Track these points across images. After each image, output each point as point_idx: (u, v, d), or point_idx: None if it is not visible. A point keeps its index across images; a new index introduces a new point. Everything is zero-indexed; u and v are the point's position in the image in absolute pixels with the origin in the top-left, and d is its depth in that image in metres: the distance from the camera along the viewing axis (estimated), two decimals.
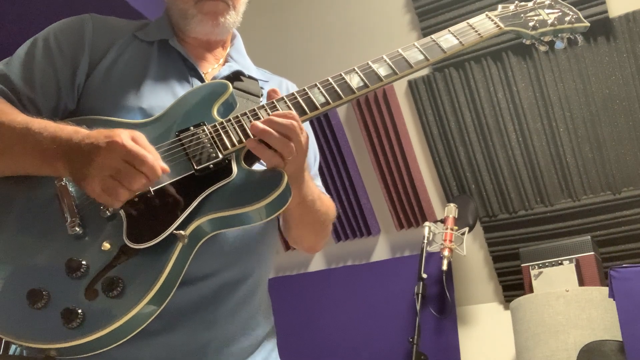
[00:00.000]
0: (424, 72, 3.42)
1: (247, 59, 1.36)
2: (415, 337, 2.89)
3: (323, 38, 3.60)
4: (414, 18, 3.43)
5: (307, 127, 1.40)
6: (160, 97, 1.16)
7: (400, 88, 3.51)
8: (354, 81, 1.13)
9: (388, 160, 3.62)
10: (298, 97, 1.11)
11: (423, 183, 3.64)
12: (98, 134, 0.96)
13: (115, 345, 0.92)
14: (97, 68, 1.17)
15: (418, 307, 2.99)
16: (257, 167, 1.10)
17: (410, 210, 3.68)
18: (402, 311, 3.41)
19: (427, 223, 3.34)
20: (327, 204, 1.30)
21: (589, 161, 3.22)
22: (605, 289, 2.68)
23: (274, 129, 1.01)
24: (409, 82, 3.43)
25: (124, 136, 0.94)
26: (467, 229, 3.29)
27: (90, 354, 0.91)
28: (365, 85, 1.13)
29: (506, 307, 3.50)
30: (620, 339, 2.39)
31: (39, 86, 1.13)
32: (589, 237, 3.12)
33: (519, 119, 3.28)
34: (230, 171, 1.03)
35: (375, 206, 3.79)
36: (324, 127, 3.64)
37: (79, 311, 0.89)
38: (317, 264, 4.02)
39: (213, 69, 1.28)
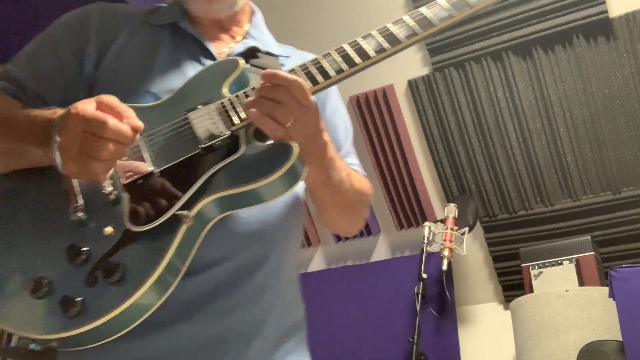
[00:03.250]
0: (424, 72, 3.43)
1: (267, 35, 1.30)
2: (415, 337, 2.89)
3: (322, 38, 3.59)
4: None
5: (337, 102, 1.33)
6: (171, 81, 1.11)
7: (400, 88, 3.51)
8: (371, 45, 1.03)
9: (388, 160, 3.62)
10: (309, 66, 1.03)
11: (423, 183, 3.64)
12: (62, 113, 0.91)
13: (121, 333, 0.88)
14: (106, 56, 1.13)
15: (418, 307, 2.99)
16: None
17: (410, 210, 3.68)
18: (402, 311, 3.41)
19: (427, 223, 3.34)
20: (359, 184, 1.21)
21: (589, 161, 3.22)
22: (605, 289, 2.68)
23: (262, 95, 0.95)
24: (409, 82, 3.43)
25: (80, 106, 0.88)
26: (467, 229, 3.29)
27: (96, 345, 0.88)
28: (383, 49, 1.03)
29: (506, 307, 3.50)
30: (620, 339, 2.39)
31: (45, 80, 1.11)
32: (589, 237, 3.12)
33: (519, 119, 3.28)
34: (237, 148, 0.97)
35: (375, 206, 3.79)
36: None
37: (78, 299, 0.85)
38: (317, 264, 4.03)
39: (228, 47, 1.22)
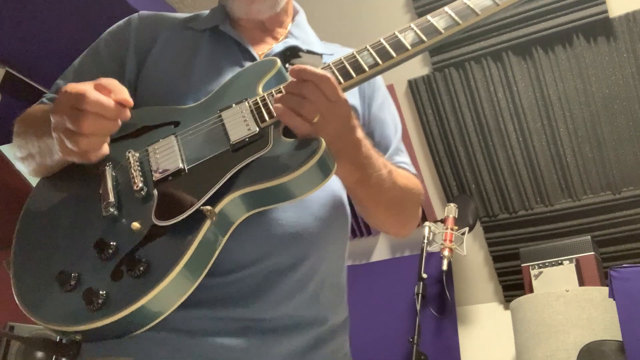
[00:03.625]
0: (424, 72, 3.43)
1: (310, 34, 1.28)
2: (415, 337, 2.88)
3: (322, 38, 3.60)
4: (414, 18, 3.43)
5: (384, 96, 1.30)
6: (210, 83, 1.11)
7: (400, 88, 3.51)
8: (408, 38, 1.00)
9: None
10: (344, 61, 1.01)
11: (423, 183, 3.62)
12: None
13: (146, 328, 0.87)
14: (146, 62, 1.16)
15: (418, 307, 2.99)
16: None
17: None
18: (402, 311, 3.41)
19: (427, 223, 3.34)
20: (404, 181, 1.15)
21: (589, 161, 3.22)
22: (605, 289, 2.68)
23: (289, 90, 0.94)
24: (409, 82, 3.43)
25: (70, 84, 0.90)
26: (467, 229, 3.29)
27: (118, 339, 0.87)
28: (421, 41, 0.99)
29: (506, 307, 3.50)
30: (620, 339, 2.39)
31: None
32: (589, 237, 3.12)
33: (519, 119, 3.28)
34: (267, 144, 0.95)
35: None
36: None
37: (102, 292, 0.85)
38: None
39: (269, 49, 1.20)
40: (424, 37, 1.00)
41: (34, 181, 1.15)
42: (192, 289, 0.88)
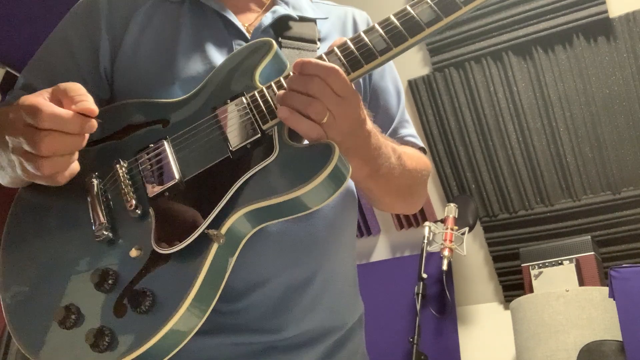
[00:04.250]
0: (424, 72, 3.42)
1: None
2: (415, 337, 2.88)
3: None
4: None
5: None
6: (196, 67, 0.98)
7: None
8: (424, 15, 0.84)
9: None
10: (351, 45, 0.85)
11: None
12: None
13: None
14: (122, 46, 1.01)
15: (418, 307, 2.99)
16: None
17: None
18: (402, 311, 3.40)
19: (427, 223, 3.34)
20: (414, 164, 1.05)
21: (589, 161, 3.22)
22: (605, 289, 2.68)
23: (292, 88, 0.81)
24: (409, 82, 3.43)
25: (24, 97, 0.77)
26: (467, 229, 3.29)
27: None
28: (439, 18, 0.83)
29: (506, 307, 3.50)
30: (620, 339, 2.39)
31: (62, 81, 0.99)
32: (589, 237, 3.12)
33: (519, 119, 3.28)
34: (272, 150, 0.84)
35: None
36: None
37: (107, 332, 0.77)
38: None
39: (256, 19, 1.06)
40: (441, 13, 0.84)
41: None
42: (204, 319, 0.80)
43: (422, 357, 2.85)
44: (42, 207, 0.94)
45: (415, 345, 2.86)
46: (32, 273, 0.88)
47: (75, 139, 0.78)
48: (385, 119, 1.12)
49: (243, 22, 1.05)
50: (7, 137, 0.79)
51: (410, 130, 1.17)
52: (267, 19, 1.04)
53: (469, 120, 3.38)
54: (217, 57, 1.00)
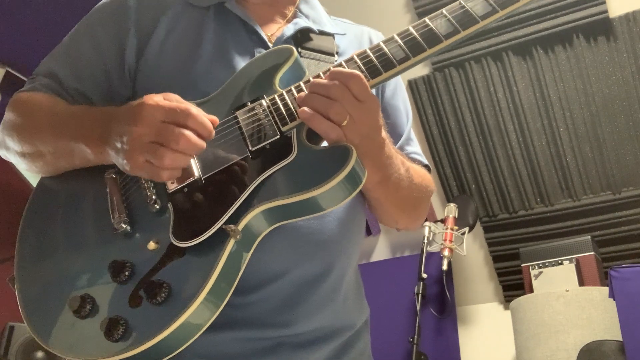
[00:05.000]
0: (424, 72, 3.43)
1: (320, 11, 1.17)
2: (415, 337, 2.89)
3: None
4: (414, 18, 3.43)
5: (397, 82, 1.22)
6: (218, 72, 1.01)
7: None
8: (442, 27, 0.89)
9: None
10: (370, 54, 0.90)
11: None
12: (128, 106, 0.86)
13: (170, 356, 0.80)
14: (148, 46, 1.04)
15: (418, 307, 2.99)
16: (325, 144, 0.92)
17: None
18: (402, 311, 3.40)
19: (427, 223, 3.34)
20: (420, 180, 1.09)
21: (589, 161, 3.22)
22: (605, 289, 2.68)
23: (314, 91, 0.86)
24: (409, 82, 3.43)
25: (155, 97, 0.83)
26: (467, 229, 3.29)
27: None
28: (456, 31, 0.88)
29: (506, 307, 3.50)
30: (620, 339, 2.39)
31: (86, 76, 1.04)
32: (589, 237, 3.12)
33: (519, 119, 3.28)
34: (290, 151, 0.87)
35: None
36: None
37: (122, 321, 0.79)
38: None
39: (278, 29, 1.10)
40: (459, 26, 0.89)
41: (34, 180, 1.08)
42: (218, 312, 0.82)
43: (422, 357, 2.85)
44: (63, 196, 0.96)
45: (415, 345, 2.86)
46: (48, 260, 0.89)
47: (202, 145, 0.83)
48: (393, 135, 1.15)
49: (266, 32, 1.09)
50: (136, 129, 0.82)
51: (416, 148, 1.22)
52: (289, 30, 1.08)
53: (469, 120, 3.38)
54: (239, 63, 1.03)
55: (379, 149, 0.92)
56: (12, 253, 0.94)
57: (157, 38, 1.05)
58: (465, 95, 3.35)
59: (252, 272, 0.88)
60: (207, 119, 0.84)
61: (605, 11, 2.98)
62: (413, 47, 0.89)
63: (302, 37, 1.09)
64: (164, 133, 0.80)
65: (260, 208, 0.84)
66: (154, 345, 0.77)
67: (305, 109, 0.85)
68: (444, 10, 0.91)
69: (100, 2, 1.12)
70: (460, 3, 0.91)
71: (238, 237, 0.82)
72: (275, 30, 1.10)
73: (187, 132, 0.81)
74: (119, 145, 0.84)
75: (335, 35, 1.14)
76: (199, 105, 0.94)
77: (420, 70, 3.44)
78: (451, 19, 0.89)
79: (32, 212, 0.97)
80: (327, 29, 1.14)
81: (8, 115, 1.04)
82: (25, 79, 3.16)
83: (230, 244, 0.82)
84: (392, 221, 1.17)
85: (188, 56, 1.04)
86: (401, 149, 1.18)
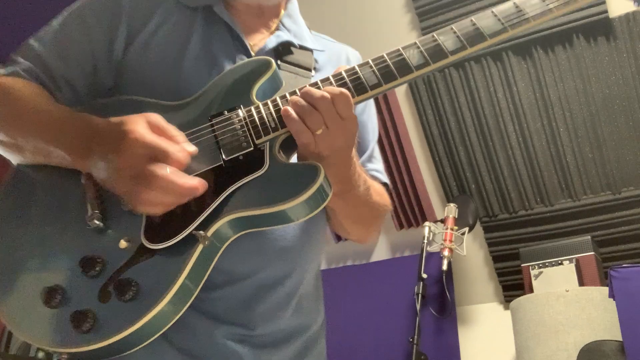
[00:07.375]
0: None
1: (302, 26, 1.20)
2: (415, 337, 2.88)
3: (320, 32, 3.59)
4: (414, 18, 3.44)
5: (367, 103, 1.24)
6: (201, 75, 1.04)
7: (400, 88, 3.51)
8: (414, 58, 0.95)
9: (388, 160, 3.62)
10: (346, 77, 0.95)
11: (423, 183, 3.64)
12: (112, 125, 0.86)
13: (136, 349, 0.85)
14: (135, 40, 1.05)
15: (418, 307, 2.99)
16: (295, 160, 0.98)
17: (410, 210, 3.68)
18: (402, 311, 3.41)
19: (427, 223, 3.34)
20: (378, 198, 1.15)
21: (589, 161, 3.22)
22: (605, 289, 2.68)
23: (302, 97, 0.90)
24: (409, 83, 3.43)
25: (139, 128, 0.83)
26: (467, 229, 3.29)
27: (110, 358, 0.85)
28: (426, 63, 0.95)
29: (506, 307, 3.50)
30: (620, 339, 2.39)
31: (75, 62, 1.04)
32: (589, 237, 3.12)
33: (519, 119, 3.28)
34: (262, 163, 0.91)
35: None
36: None
37: (90, 315, 0.82)
38: None
39: (261, 40, 1.13)
40: (429, 59, 0.96)
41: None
42: (183, 311, 0.86)
43: (422, 357, 2.85)
44: (39, 186, 0.97)
45: (415, 345, 2.86)
46: (22, 249, 0.91)
47: (179, 184, 0.83)
48: (357, 150, 1.19)
49: (250, 41, 1.12)
50: (119, 160, 0.83)
51: (378, 165, 1.26)
52: (272, 42, 1.12)
53: (469, 120, 3.38)
54: (223, 66, 1.06)
55: (345, 165, 0.98)
56: None
57: (145, 34, 1.06)
58: (465, 96, 3.35)
59: (218, 272, 0.92)
60: (186, 154, 0.85)
61: (605, 11, 2.98)
62: (385, 75, 0.95)
63: (282, 50, 1.12)
64: (141, 175, 0.82)
65: (230, 217, 0.88)
66: (121, 339, 0.82)
67: (289, 108, 0.90)
68: (417, 41, 0.97)
69: None
70: (433, 36, 0.97)
71: (207, 243, 0.86)
72: (258, 41, 1.13)
73: (162, 175, 0.81)
74: (100, 167, 0.86)
75: (314, 51, 1.17)
76: (177, 108, 0.99)
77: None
78: (423, 50, 0.96)
79: (6, 200, 0.97)
80: (308, 44, 1.17)
81: None
82: None
83: (199, 249, 0.86)
84: (344, 232, 1.22)
85: (173, 54, 1.06)
86: (363, 165, 1.22)
